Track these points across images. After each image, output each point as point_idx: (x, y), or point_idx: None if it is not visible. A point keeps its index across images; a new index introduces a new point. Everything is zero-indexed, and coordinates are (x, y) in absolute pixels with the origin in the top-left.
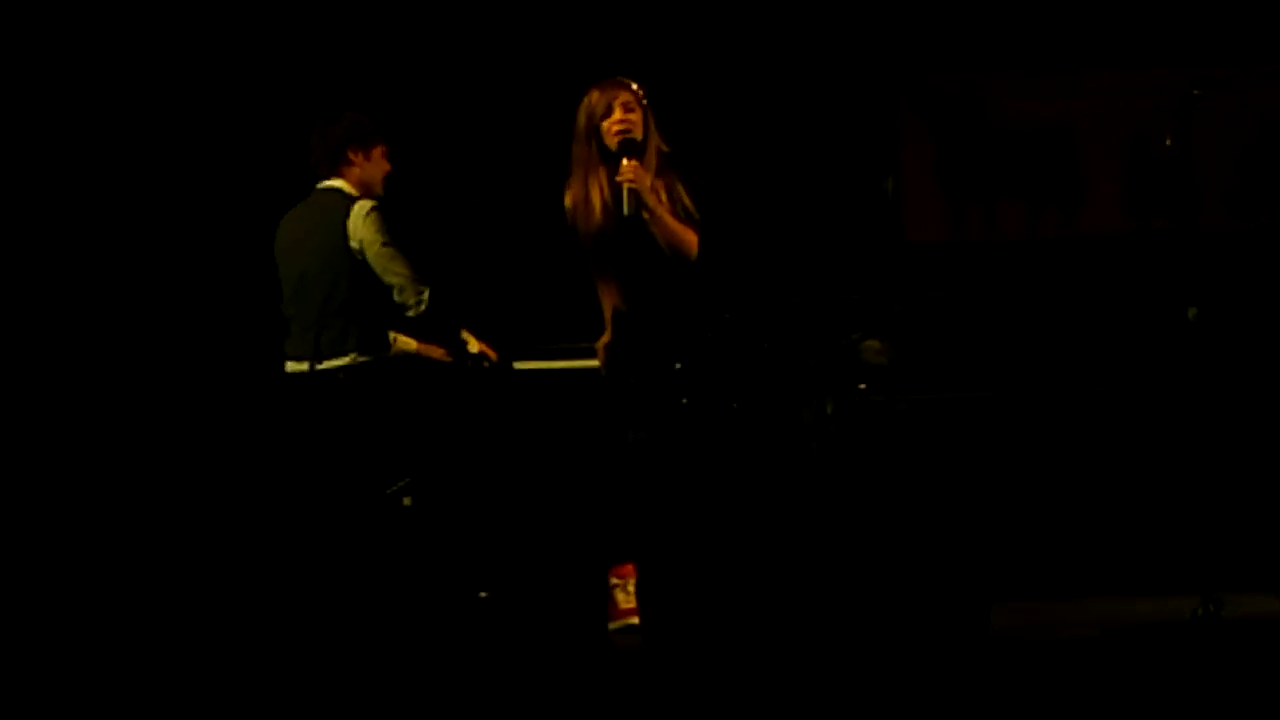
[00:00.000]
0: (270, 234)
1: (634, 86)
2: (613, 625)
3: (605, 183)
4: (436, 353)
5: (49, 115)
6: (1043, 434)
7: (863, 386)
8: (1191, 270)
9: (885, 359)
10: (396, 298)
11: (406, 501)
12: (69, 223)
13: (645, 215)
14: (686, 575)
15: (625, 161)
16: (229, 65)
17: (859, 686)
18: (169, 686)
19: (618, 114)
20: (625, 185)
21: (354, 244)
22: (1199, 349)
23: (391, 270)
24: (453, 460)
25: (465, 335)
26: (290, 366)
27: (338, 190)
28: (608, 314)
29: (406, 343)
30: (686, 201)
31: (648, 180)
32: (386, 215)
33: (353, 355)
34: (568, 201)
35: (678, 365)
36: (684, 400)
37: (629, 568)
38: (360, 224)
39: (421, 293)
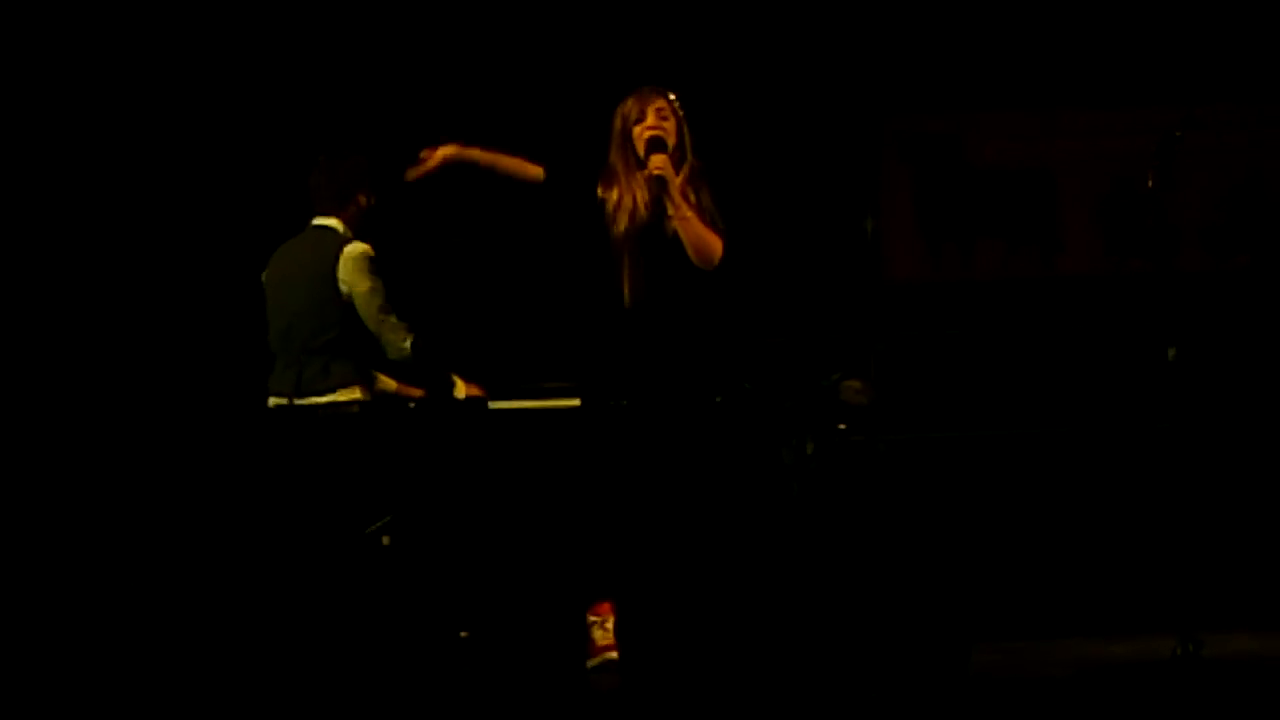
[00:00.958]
0: (257, 264)
1: (670, 95)
2: (591, 663)
3: (636, 187)
4: (416, 393)
5: (27, 138)
6: (1022, 473)
7: (843, 426)
8: (1170, 311)
9: (865, 399)
10: (382, 341)
11: (385, 540)
12: (51, 251)
13: (671, 210)
14: (666, 613)
15: (655, 155)
16: (215, 95)
17: None
18: None
19: (650, 119)
20: (654, 172)
21: (343, 286)
22: (1178, 389)
23: (377, 316)
24: (432, 499)
25: (454, 379)
26: (272, 401)
27: (332, 230)
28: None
29: (386, 382)
30: (711, 208)
31: (677, 179)
32: (377, 260)
33: (333, 394)
34: (603, 199)
35: (718, 399)
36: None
37: (606, 606)
38: (350, 267)
39: (405, 340)
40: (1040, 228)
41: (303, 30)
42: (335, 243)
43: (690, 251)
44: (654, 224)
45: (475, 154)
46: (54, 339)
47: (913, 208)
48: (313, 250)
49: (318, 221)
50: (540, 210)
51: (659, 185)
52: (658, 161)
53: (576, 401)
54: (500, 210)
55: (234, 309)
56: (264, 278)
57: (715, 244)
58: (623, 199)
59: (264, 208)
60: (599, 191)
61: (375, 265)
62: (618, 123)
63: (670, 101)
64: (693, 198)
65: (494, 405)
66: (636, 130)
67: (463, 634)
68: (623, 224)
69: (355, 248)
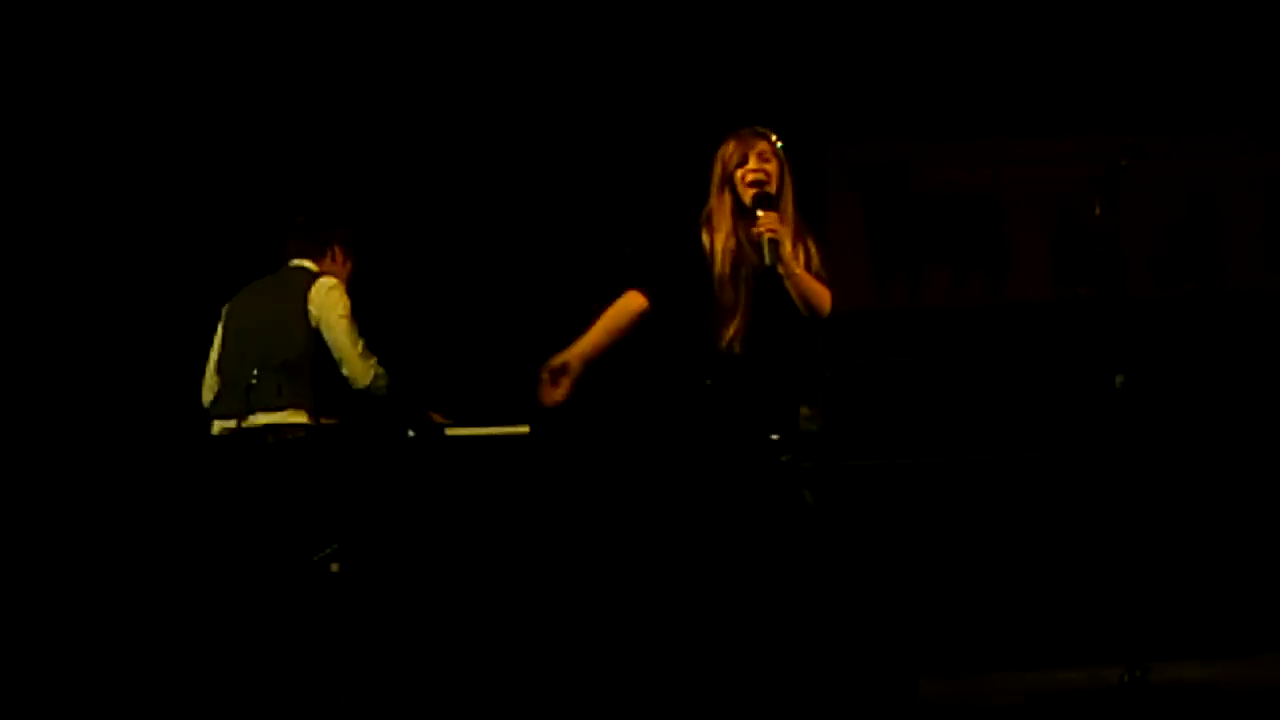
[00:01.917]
0: (206, 288)
1: (772, 138)
2: None
3: (738, 233)
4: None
5: None
6: (971, 501)
7: (792, 454)
8: (1118, 337)
9: (814, 426)
10: (344, 371)
11: (334, 568)
12: None
13: (780, 270)
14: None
15: (763, 213)
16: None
17: None
18: None
19: (753, 163)
20: (766, 236)
21: (312, 311)
22: (1126, 416)
23: (346, 343)
24: (382, 526)
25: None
26: (217, 426)
27: (306, 269)
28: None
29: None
30: (816, 260)
31: (787, 232)
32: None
33: (283, 412)
34: (706, 244)
35: (774, 436)
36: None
37: None
38: (323, 295)
39: (371, 372)
40: (988, 255)
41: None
42: (308, 277)
43: (799, 304)
44: (763, 273)
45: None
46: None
47: (861, 235)
48: (284, 283)
49: (294, 263)
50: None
51: (773, 249)
52: (769, 221)
53: (526, 429)
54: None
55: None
56: (226, 308)
57: (825, 297)
58: (727, 242)
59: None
60: (702, 236)
61: (347, 299)
62: (718, 167)
63: (772, 144)
64: (800, 252)
65: (450, 432)
66: (739, 174)
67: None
68: (726, 267)
69: (330, 279)
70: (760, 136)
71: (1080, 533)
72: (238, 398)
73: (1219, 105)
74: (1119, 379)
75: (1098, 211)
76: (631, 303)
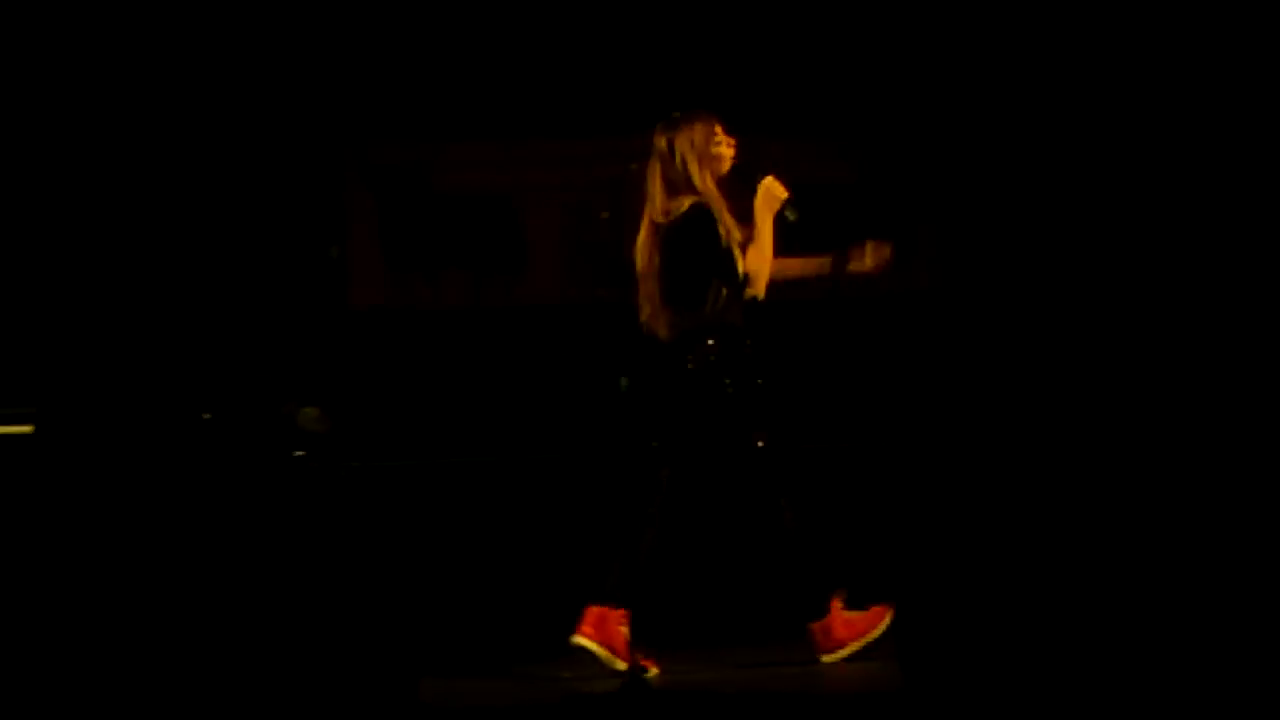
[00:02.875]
0: None
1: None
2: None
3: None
4: None
5: None
6: (481, 499)
7: (301, 453)
8: (630, 340)
9: (322, 426)
10: None
11: None
12: None
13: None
14: None
15: (769, 178)
16: None
17: None
18: None
19: (724, 138)
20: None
21: None
22: (630, 417)
23: None
24: None
25: None
26: None
27: None
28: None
29: None
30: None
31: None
32: None
33: None
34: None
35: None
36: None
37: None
38: None
39: None
40: (506, 257)
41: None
42: None
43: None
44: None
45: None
46: None
47: (379, 236)
48: None
49: None
50: None
51: (790, 204)
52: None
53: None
54: None
55: None
56: None
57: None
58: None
59: None
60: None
61: None
62: (686, 147)
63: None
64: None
65: None
66: (718, 151)
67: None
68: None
69: None
70: (716, 117)
71: (593, 531)
72: None
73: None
74: (623, 381)
75: (605, 215)
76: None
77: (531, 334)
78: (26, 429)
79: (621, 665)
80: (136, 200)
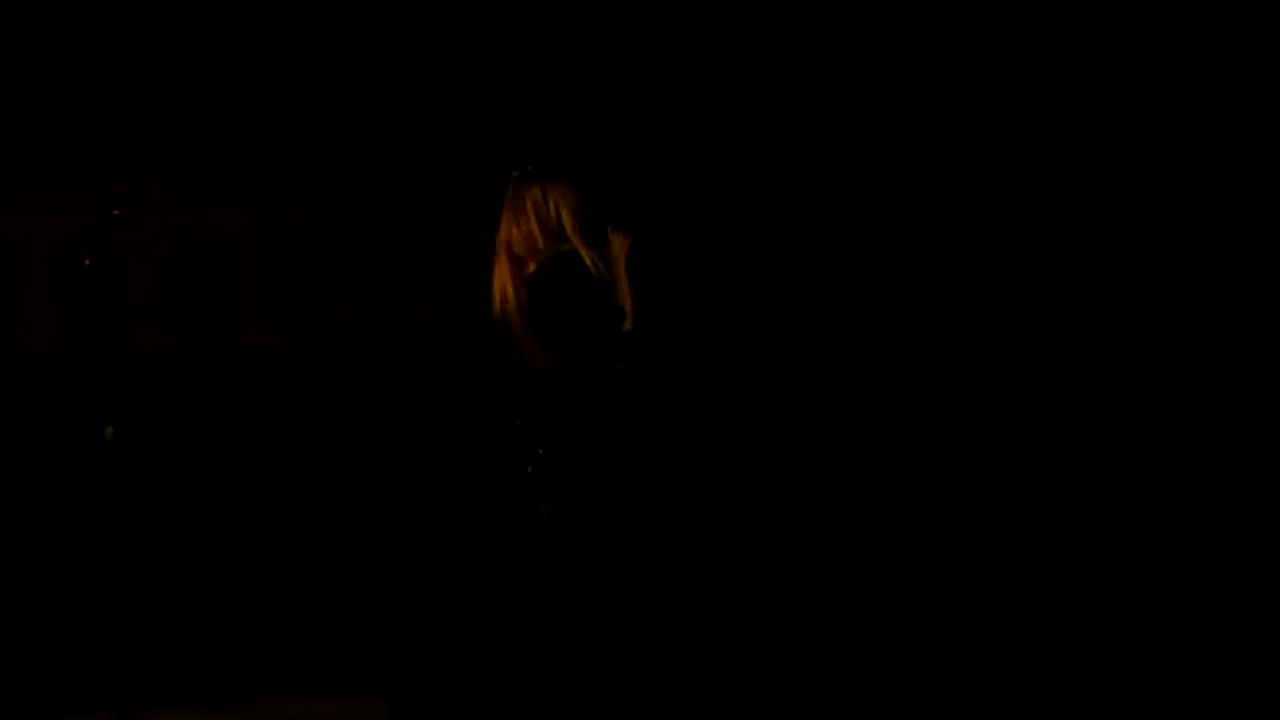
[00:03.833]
0: None
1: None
2: None
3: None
4: None
5: None
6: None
7: None
8: (123, 387)
9: None
10: None
11: None
12: None
13: None
14: None
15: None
16: None
17: None
18: None
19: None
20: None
21: None
22: (117, 466)
23: None
24: None
25: None
26: None
27: None
28: None
29: None
30: None
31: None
32: None
33: None
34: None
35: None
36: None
37: None
38: None
39: None
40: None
41: None
42: None
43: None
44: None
45: None
46: None
47: None
48: None
49: None
50: None
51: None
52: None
53: None
54: None
55: None
56: None
57: None
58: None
59: None
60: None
61: None
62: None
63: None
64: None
65: None
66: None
67: None
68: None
69: None
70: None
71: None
72: None
73: (223, 158)
74: (108, 431)
75: (87, 261)
76: None
77: (27, 383)
78: None
79: None
80: None
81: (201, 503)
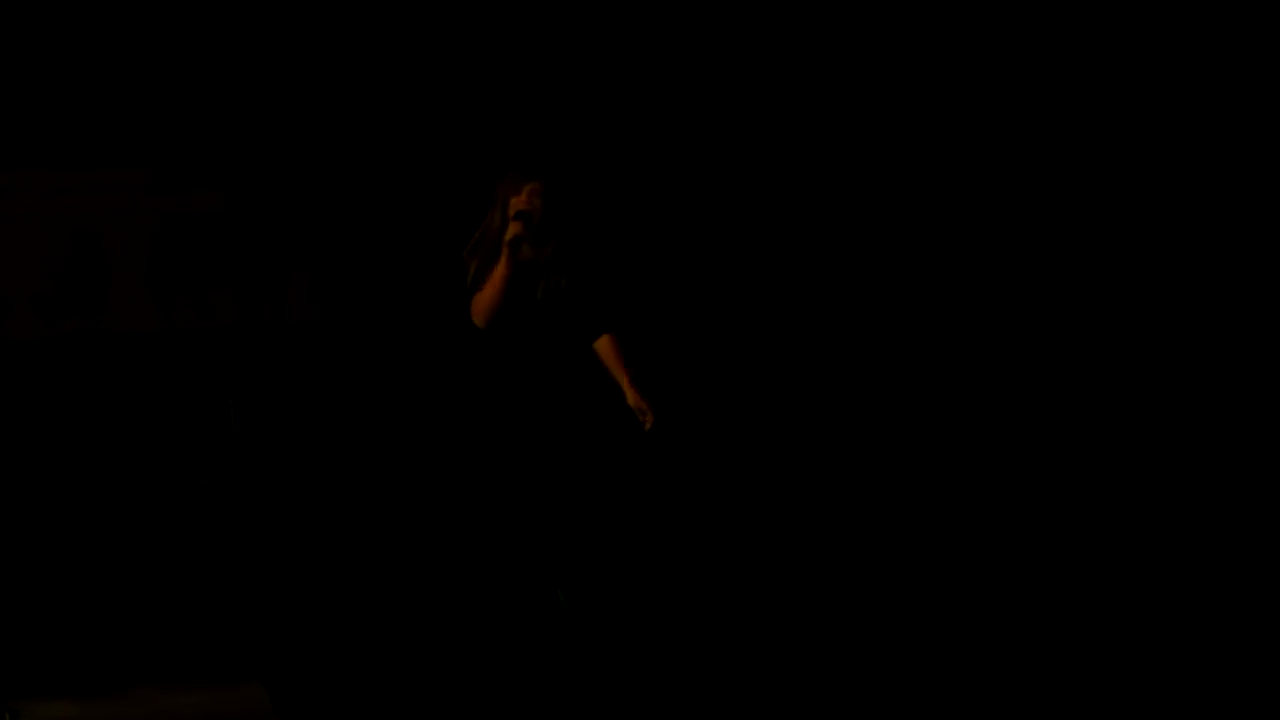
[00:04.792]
0: None
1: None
2: None
3: None
4: None
5: None
6: None
7: None
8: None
9: None
10: None
11: None
12: None
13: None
14: None
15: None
16: None
17: None
18: None
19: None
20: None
21: None
22: None
23: None
24: None
25: None
26: None
27: None
28: None
29: None
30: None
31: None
32: None
33: None
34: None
35: None
36: None
37: None
38: None
39: None
40: None
41: None
42: None
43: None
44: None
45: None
46: None
47: None
48: None
49: None
50: None
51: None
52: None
53: None
54: None
55: None
56: None
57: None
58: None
59: None
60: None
61: None
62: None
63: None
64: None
65: None
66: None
67: None
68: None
69: None
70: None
71: None
72: None
73: (103, 143)
74: None
75: None
76: None
77: None
78: None
79: None
80: None
81: (77, 491)
